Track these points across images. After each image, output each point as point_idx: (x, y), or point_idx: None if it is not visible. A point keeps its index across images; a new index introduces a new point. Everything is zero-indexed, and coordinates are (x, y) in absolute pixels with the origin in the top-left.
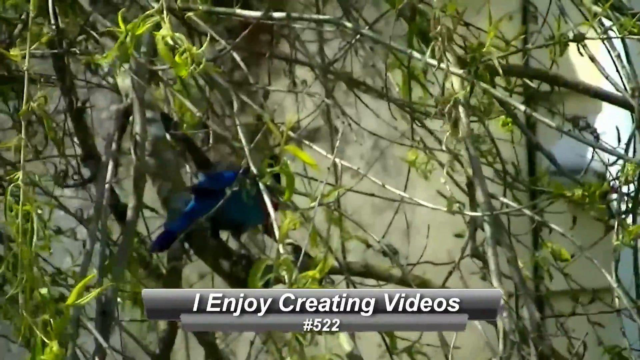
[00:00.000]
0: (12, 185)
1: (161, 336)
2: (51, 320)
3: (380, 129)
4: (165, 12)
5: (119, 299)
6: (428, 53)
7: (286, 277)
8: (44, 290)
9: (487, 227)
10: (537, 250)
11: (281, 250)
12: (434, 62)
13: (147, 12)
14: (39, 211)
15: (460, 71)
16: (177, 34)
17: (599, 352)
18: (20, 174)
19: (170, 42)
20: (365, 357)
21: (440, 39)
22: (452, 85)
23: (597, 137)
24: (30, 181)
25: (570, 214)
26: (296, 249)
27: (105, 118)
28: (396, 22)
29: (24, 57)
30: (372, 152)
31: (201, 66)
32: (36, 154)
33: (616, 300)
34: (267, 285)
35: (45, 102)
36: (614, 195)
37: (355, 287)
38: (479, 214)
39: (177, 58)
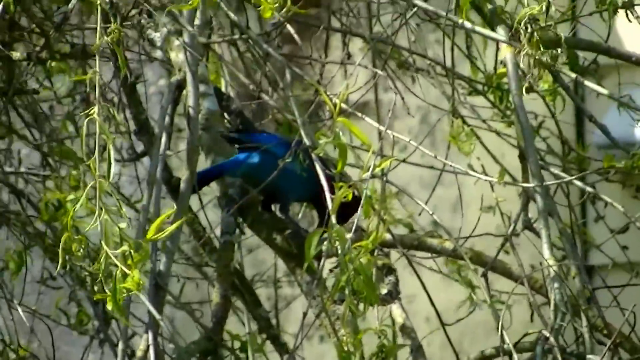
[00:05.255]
0: (87, 119)
1: (214, 309)
2: (131, 251)
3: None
4: None
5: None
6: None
7: (339, 248)
8: (123, 225)
9: (538, 198)
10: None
11: (333, 221)
12: (486, 32)
13: None
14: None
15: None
16: None
17: None
18: (96, 109)
19: None
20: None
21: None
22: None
23: None
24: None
25: (618, 188)
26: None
27: (153, 92)
28: None
29: None
30: (420, 126)
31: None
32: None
33: None
34: (319, 256)
35: (119, 35)
36: None
37: (408, 261)
38: (530, 184)
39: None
